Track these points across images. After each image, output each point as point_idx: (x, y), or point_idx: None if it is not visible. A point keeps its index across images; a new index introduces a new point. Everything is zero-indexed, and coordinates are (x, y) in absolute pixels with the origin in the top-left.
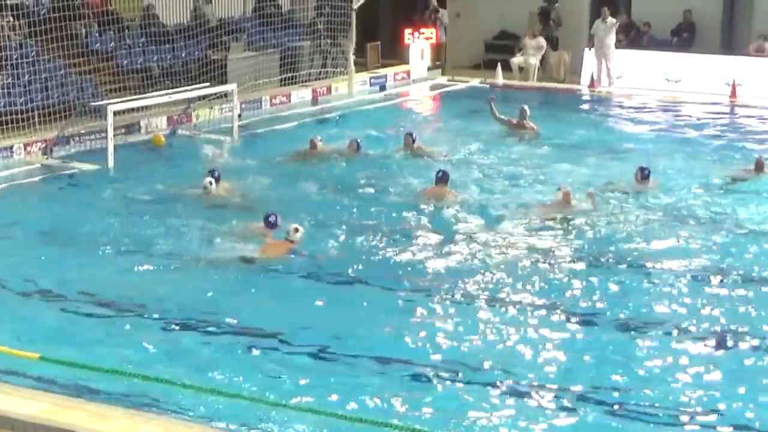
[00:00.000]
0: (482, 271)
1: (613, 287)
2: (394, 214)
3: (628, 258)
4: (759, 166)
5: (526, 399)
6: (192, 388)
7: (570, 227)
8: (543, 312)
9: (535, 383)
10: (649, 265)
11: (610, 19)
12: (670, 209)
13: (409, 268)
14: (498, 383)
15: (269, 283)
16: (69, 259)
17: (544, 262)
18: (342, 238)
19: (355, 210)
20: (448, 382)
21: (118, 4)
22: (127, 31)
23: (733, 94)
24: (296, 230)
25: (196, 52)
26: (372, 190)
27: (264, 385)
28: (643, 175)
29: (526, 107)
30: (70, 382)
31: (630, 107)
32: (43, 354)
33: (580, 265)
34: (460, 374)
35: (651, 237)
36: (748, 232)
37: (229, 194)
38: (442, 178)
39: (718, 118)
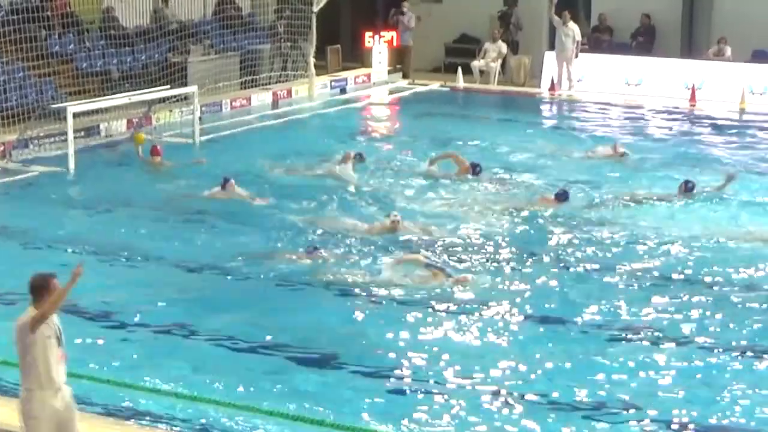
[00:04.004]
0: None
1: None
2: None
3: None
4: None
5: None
6: (150, 391)
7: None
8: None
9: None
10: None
11: (571, 24)
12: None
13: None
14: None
15: (239, 286)
16: (29, 262)
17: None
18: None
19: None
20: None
21: (78, 7)
22: (86, 33)
23: (693, 97)
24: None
25: (156, 55)
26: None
27: (230, 386)
28: (687, 187)
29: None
30: None
31: (590, 111)
32: (3, 358)
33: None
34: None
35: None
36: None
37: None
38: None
39: (677, 122)
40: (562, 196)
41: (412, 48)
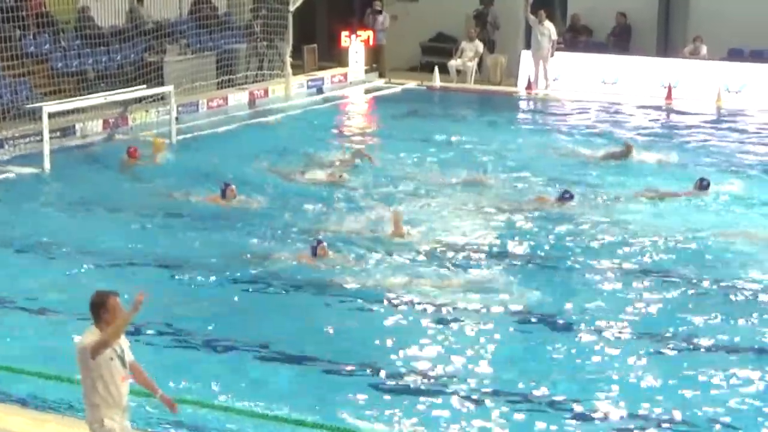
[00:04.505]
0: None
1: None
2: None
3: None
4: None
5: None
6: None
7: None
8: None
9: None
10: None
11: (547, 23)
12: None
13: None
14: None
15: (216, 289)
16: (5, 264)
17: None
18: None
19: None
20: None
21: (53, 6)
22: (61, 33)
23: (669, 96)
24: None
25: (132, 55)
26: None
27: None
28: (702, 185)
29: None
30: (7, 388)
31: (567, 109)
32: None
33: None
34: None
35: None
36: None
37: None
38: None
39: (653, 121)
40: (568, 197)
41: (385, 47)
